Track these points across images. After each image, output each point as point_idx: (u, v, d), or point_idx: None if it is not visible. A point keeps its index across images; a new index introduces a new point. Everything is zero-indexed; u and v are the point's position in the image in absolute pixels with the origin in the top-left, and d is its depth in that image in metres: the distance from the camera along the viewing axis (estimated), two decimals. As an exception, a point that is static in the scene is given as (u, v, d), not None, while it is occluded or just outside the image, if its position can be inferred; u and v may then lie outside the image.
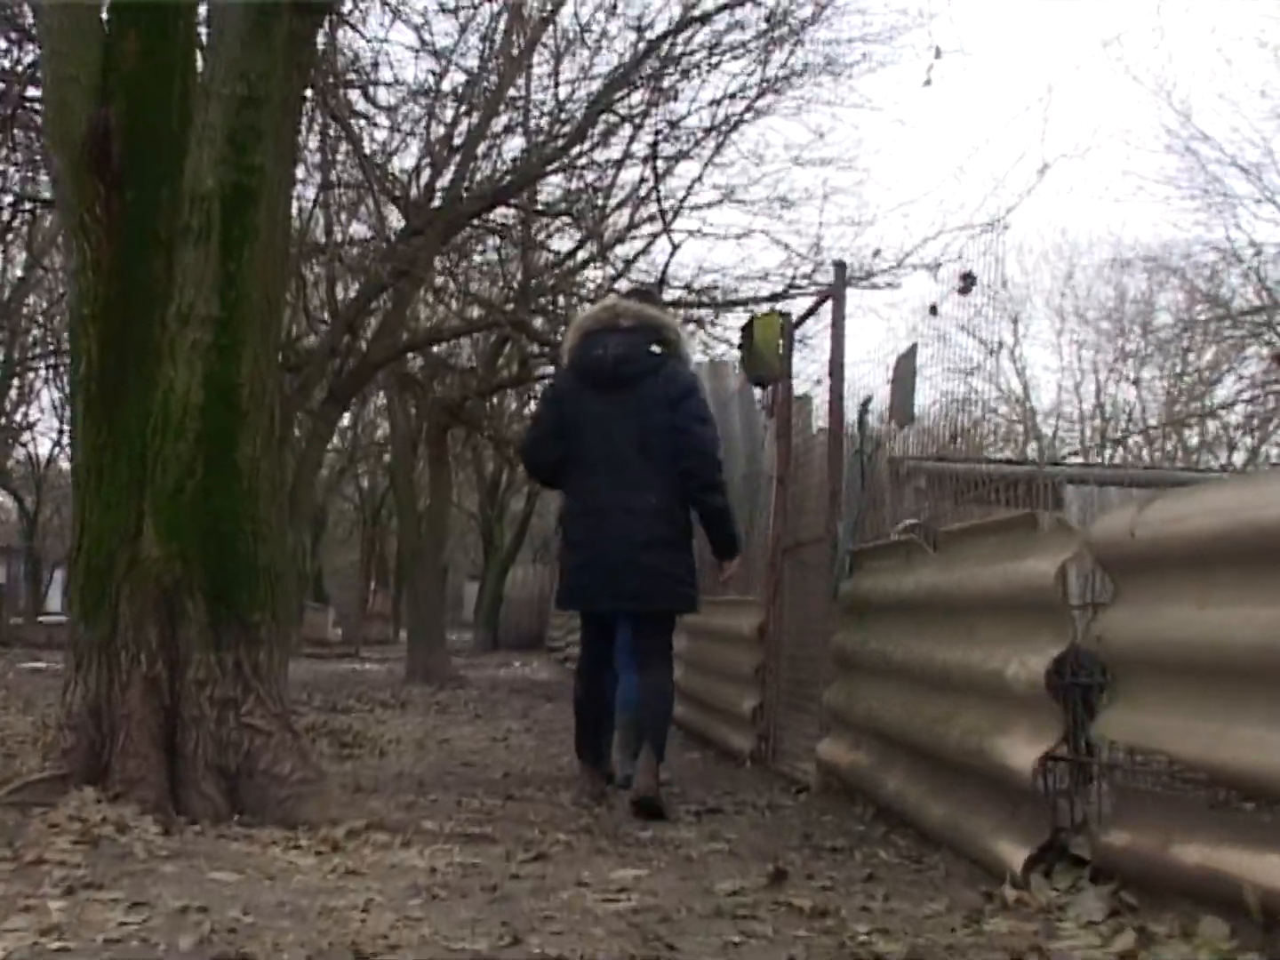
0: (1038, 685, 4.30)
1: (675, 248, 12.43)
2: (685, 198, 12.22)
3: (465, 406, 16.82)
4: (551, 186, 13.17)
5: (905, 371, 6.72)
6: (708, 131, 13.47)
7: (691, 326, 16.25)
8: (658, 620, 7.32)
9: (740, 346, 9.52)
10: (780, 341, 9.02)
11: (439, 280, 15.08)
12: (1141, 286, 26.19)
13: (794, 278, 14.93)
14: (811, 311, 8.57)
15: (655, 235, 13.44)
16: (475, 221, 13.20)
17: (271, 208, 5.82)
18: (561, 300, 16.32)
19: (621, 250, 14.96)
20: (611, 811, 6.70)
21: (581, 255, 15.34)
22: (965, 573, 5.21)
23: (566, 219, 13.19)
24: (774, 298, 13.35)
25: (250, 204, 5.73)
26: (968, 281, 5.79)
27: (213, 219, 5.69)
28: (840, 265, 7.95)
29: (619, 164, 12.90)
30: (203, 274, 5.68)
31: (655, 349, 7.06)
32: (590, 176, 12.56)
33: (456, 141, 11.75)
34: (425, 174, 11.47)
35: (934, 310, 6.46)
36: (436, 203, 11.57)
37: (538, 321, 14.50)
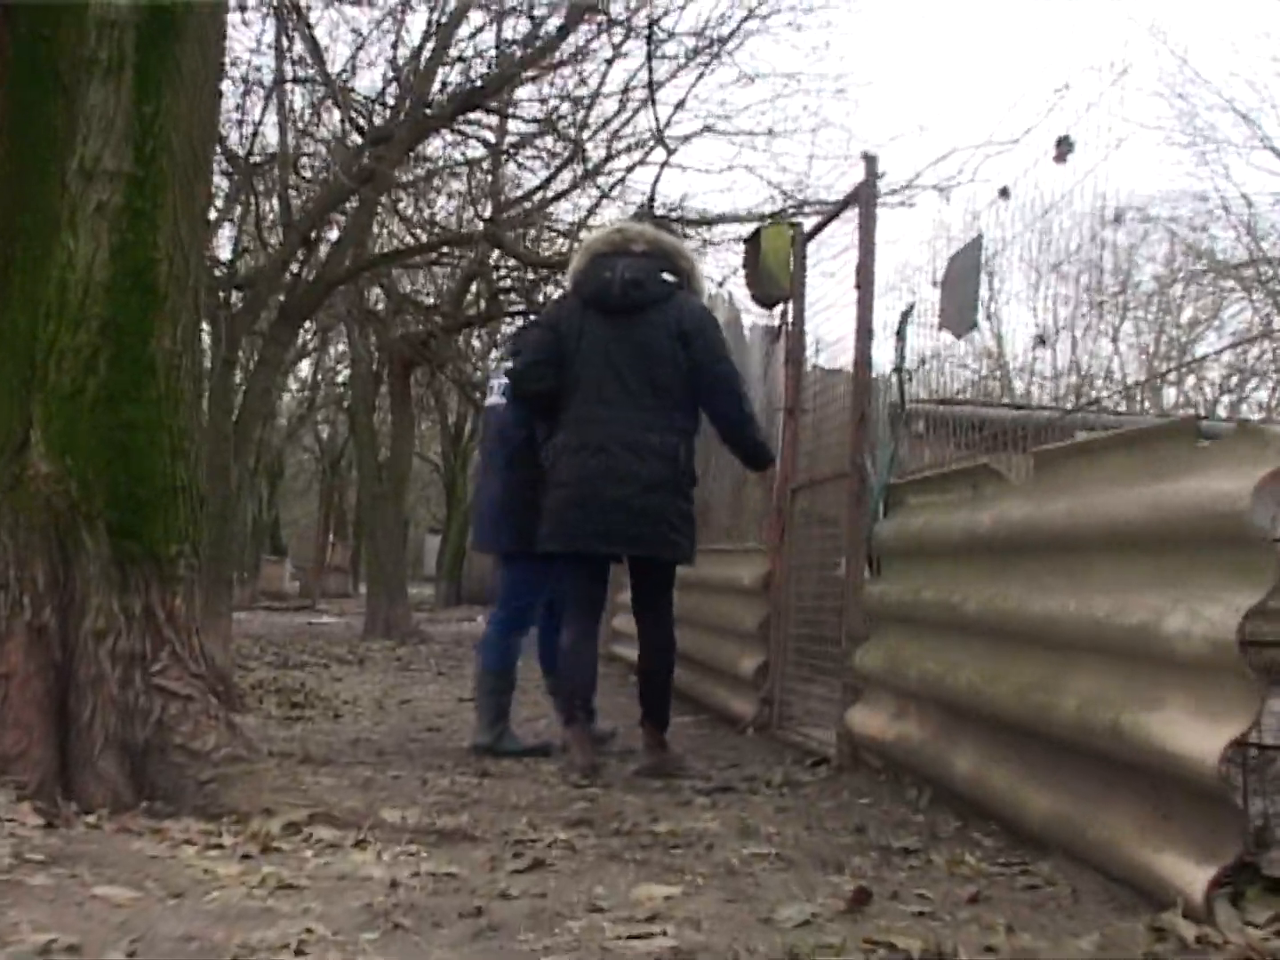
0: (1223, 645, 3.09)
1: (670, 153, 11.13)
2: (667, 124, 11.02)
3: (430, 344, 15.56)
4: (529, 101, 11.88)
5: (965, 269, 5.53)
6: (697, 48, 12.17)
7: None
8: (659, 571, 6.39)
9: (744, 262, 8.33)
10: (791, 255, 7.85)
11: (404, 207, 13.81)
12: (1123, 239, 24.99)
13: (779, 212, 13.73)
14: (835, 215, 7.34)
15: (648, 148, 12.10)
16: (446, 133, 11.97)
17: (200, 37, 4.58)
18: (533, 234, 15.08)
19: (603, 183, 13.63)
20: (609, 791, 5.51)
21: (559, 184, 14.03)
22: (1078, 501, 4.01)
23: (546, 134, 11.87)
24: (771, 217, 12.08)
25: (172, 31, 4.49)
26: (1064, 148, 4.59)
27: (125, 50, 4.45)
28: (870, 158, 6.72)
29: (608, 63, 11.62)
30: (112, 119, 4.43)
31: (668, 277, 6.33)
32: (571, 84, 11.27)
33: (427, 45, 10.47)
34: (392, 74, 10.22)
35: (1005, 193, 5.28)
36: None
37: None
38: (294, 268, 9.68)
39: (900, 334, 6.17)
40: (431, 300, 17.21)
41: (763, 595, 8.00)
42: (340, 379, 29.39)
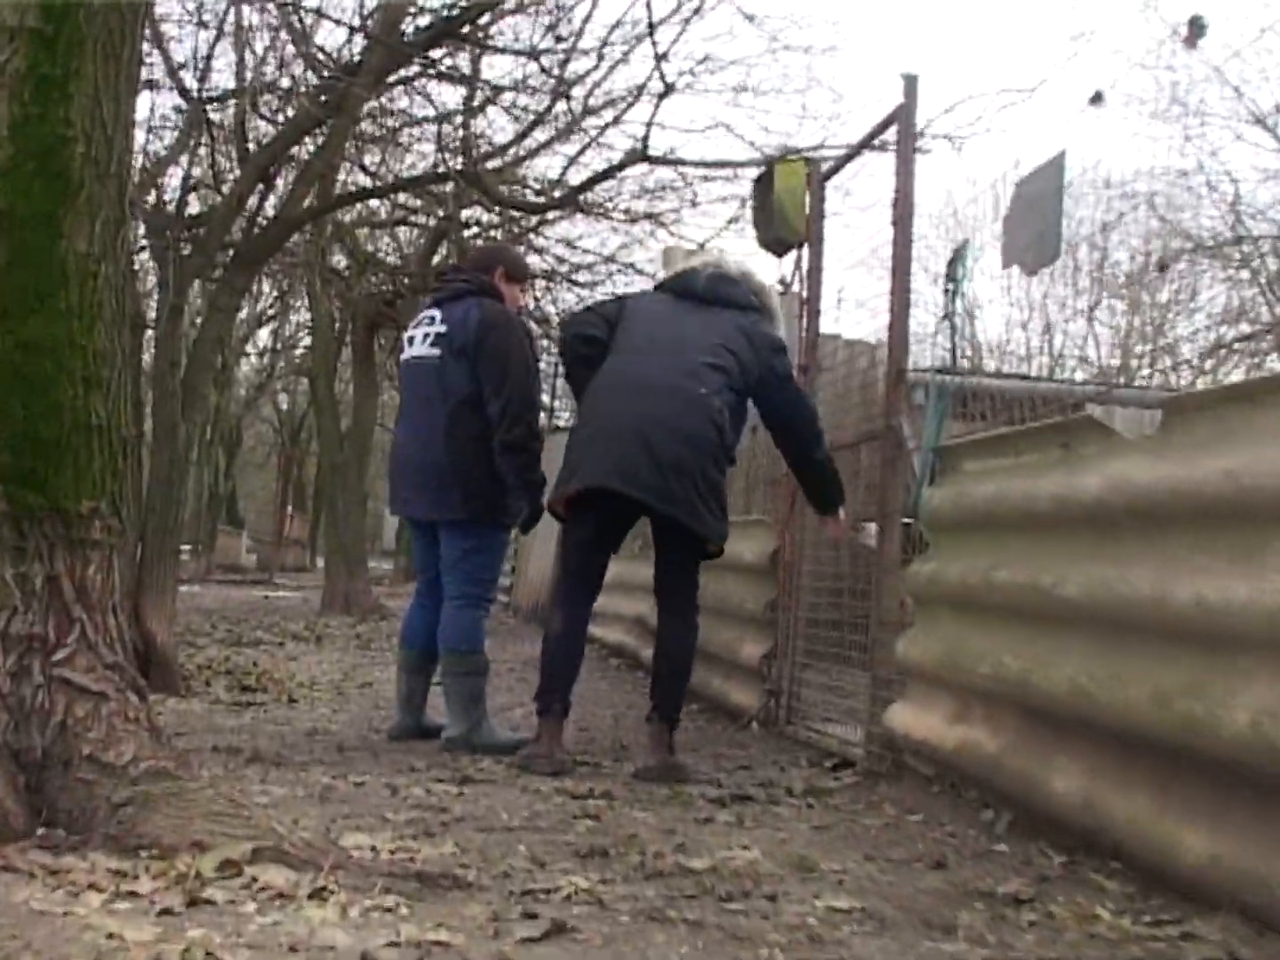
0: None
1: (668, 89, 10.10)
2: (663, 57, 10.02)
3: (396, 305, 14.55)
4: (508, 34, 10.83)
5: (1043, 192, 4.59)
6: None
7: (648, 225, 14.08)
8: (682, 546, 5.56)
9: (754, 204, 7.38)
10: (806, 195, 6.91)
11: (371, 162, 12.78)
12: (1100, 216, 24.10)
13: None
14: (864, 145, 6.38)
15: (641, 84, 11.07)
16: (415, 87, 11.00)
17: None
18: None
19: (589, 127, 12.56)
20: (613, 805, 4.58)
21: (535, 141, 13.01)
22: (1242, 459, 3.08)
23: (523, 87, 10.86)
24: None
25: None
26: (1195, 29, 3.68)
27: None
28: (910, 78, 5.77)
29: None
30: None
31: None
32: (554, 18, 10.23)
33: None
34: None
35: (1098, 98, 4.37)
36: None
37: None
38: (251, 206, 8.66)
39: (952, 275, 5.23)
40: (398, 262, 16.16)
41: (769, 574, 7.07)
42: (300, 348, 28.34)
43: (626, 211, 13.96)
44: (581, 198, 12.92)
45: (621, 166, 11.07)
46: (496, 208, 13.46)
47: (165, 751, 3.28)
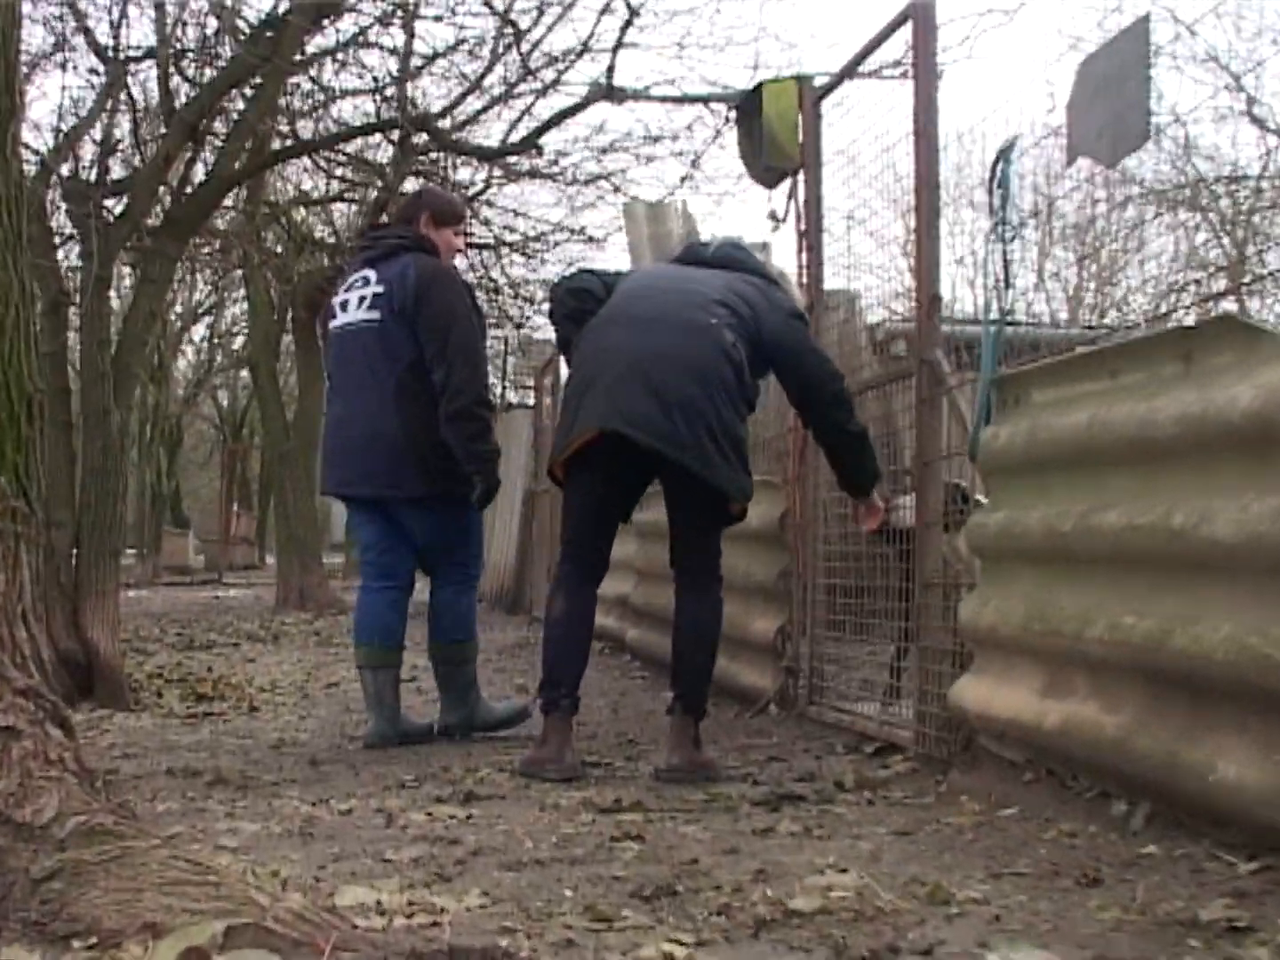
0: None
1: (633, 14, 9.26)
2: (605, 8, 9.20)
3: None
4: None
5: (1125, 63, 3.82)
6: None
7: (600, 187, 13.27)
8: (699, 506, 4.78)
9: (740, 133, 6.59)
10: (800, 116, 6.14)
11: (303, 128, 11.89)
12: (1042, 165, 23.46)
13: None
14: (871, 50, 5.57)
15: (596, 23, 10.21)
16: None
17: None
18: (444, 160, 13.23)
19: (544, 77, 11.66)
20: (649, 817, 3.81)
21: (487, 92, 12.14)
22: None
23: (461, 44, 10.00)
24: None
25: None
26: None
27: None
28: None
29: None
30: None
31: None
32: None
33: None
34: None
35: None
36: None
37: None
38: (180, 168, 7.79)
39: (1001, 181, 4.46)
40: (335, 241, 15.24)
41: (778, 540, 6.28)
42: (240, 337, 27.31)
43: (577, 174, 13.15)
44: (531, 163, 12.13)
45: (584, 105, 10.23)
46: (440, 175, 12.63)
47: (101, 802, 2.44)
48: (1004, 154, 4.44)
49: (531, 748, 4.79)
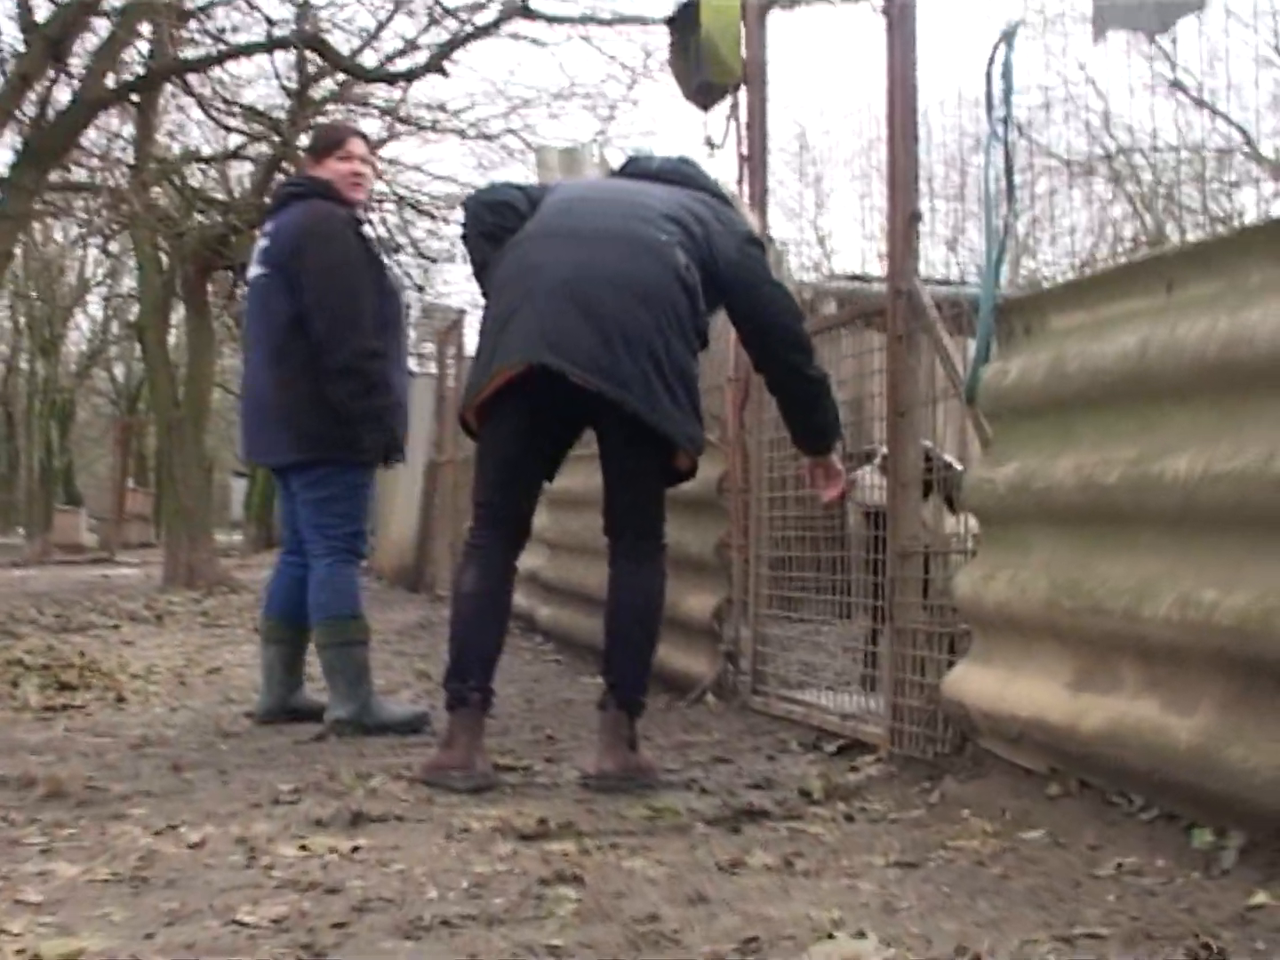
0: None
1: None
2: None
3: (230, 242, 12.61)
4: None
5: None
6: None
7: (512, 139, 12.36)
8: (646, 454, 3.91)
9: (673, 46, 5.72)
10: (742, 27, 5.32)
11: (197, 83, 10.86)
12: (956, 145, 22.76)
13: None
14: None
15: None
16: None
17: None
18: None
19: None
20: (582, 845, 2.94)
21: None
22: None
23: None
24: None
25: None
26: None
27: None
28: None
29: None
30: None
31: None
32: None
33: None
34: None
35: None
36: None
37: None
38: (41, 90, 6.78)
39: (1003, 70, 3.64)
40: (229, 199, 14.17)
41: (715, 506, 5.44)
42: (134, 313, 26.04)
43: (485, 129, 12.23)
44: (435, 116, 11.22)
45: (498, 23, 9.29)
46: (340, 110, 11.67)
47: None
48: (1007, 38, 3.62)
49: (435, 750, 3.92)
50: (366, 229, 5.14)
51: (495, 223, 4.01)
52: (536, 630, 8.08)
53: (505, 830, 3.08)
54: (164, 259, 14.04)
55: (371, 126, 12.45)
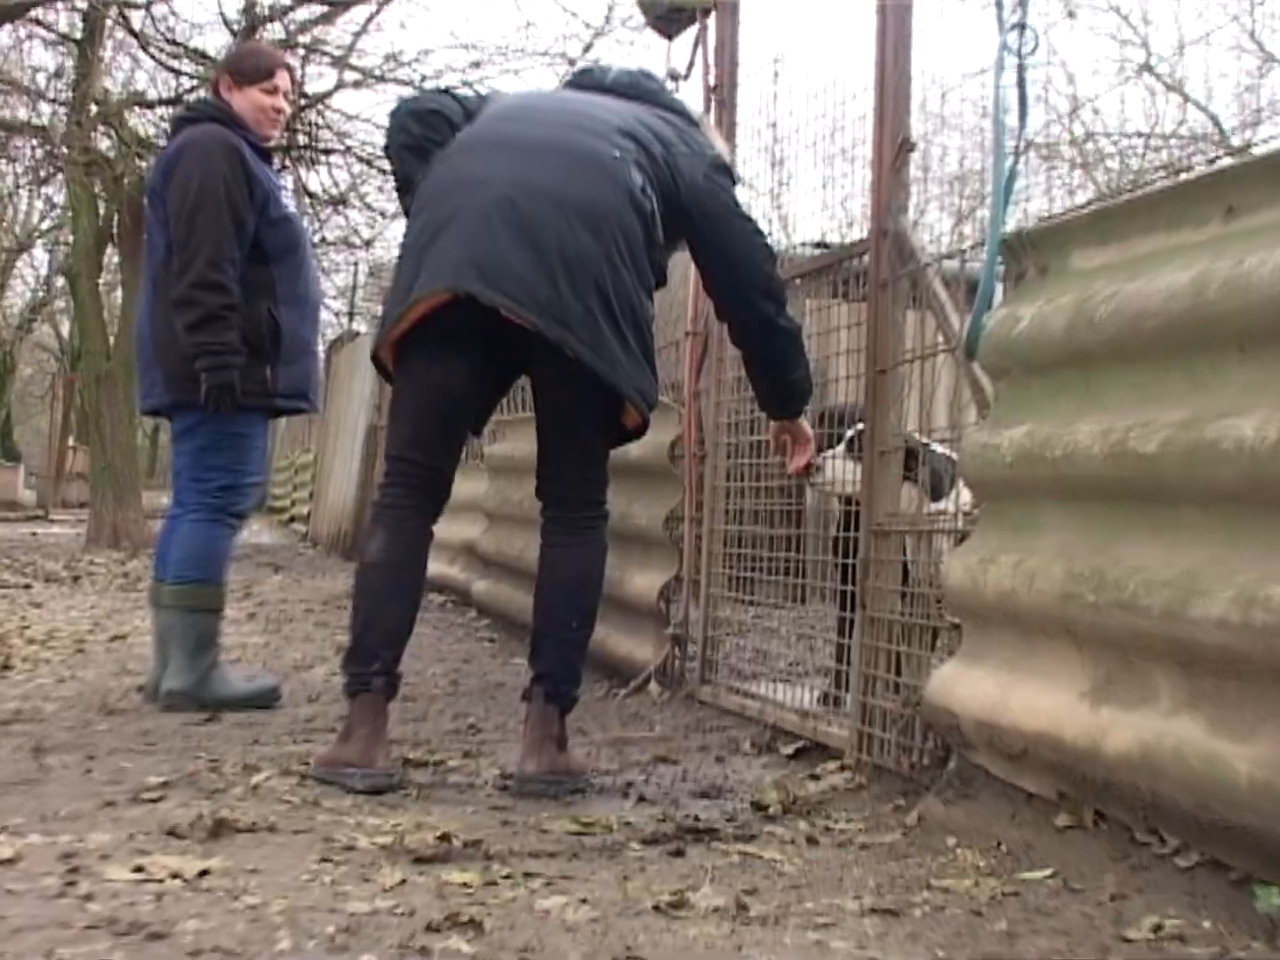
0: None
1: None
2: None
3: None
4: None
5: None
6: None
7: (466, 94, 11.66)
8: (589, 407, 3.33)
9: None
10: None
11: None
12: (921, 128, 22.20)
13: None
14: None
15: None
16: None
17: None
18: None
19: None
20: (495, 879, 2.35)
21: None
22: None
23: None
24: None
25: None
26: None
27: None
28: None
29: None
30: None
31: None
32: None
33: None
34: None
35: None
36: None
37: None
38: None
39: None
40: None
41: (667, 474, 4.87)
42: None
43: (434, 81, 11.57)
44: (383, 67, 10.58)
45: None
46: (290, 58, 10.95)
47: None
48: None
49: (333, 741, 3.33)
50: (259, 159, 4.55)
51: (423, 134, 3.42)
52: (471, 605, 7.48)
53: (397, 851, 2.50)
54: (101, 205, 13.31)
55: (319, 80, 11.82)
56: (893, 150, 3.51)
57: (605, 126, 3.29)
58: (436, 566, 8.41)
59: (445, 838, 2.59)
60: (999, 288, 3.05)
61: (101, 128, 12.61)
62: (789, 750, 3.80)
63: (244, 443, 4.46)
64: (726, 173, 3.49)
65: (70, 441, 28.31)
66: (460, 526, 7.75)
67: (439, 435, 3.31)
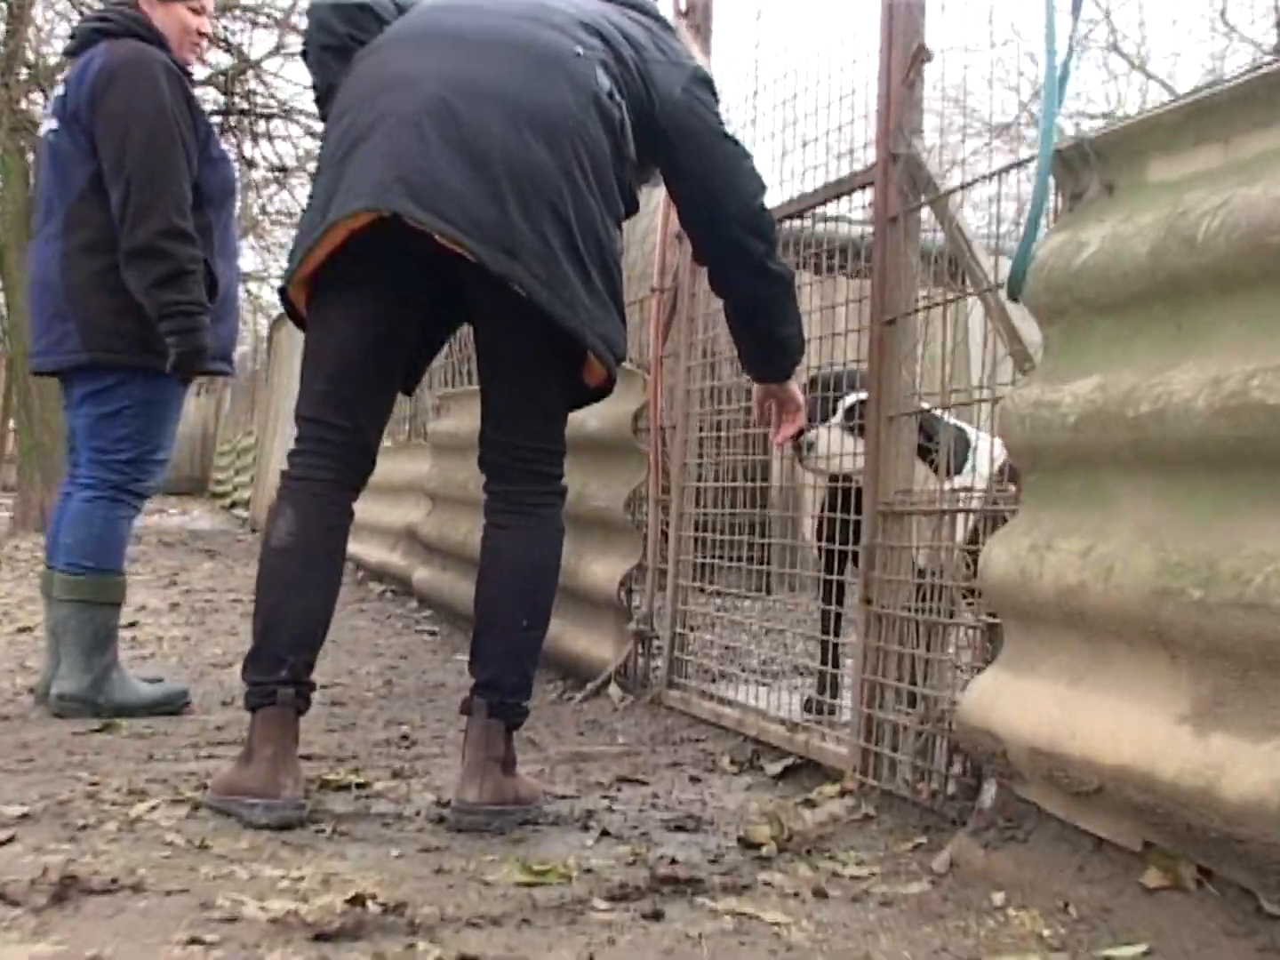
0: None
1: None
2: None
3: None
4: None
5: None
6: None
7: None
8: (543, 358, 2.73)
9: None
10: None
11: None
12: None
13: None
14: None
15: None
16: None
17: None
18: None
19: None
20: (410, 951, 1.75)
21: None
22: None
23: None
24: None
25: None
26: None
27: None
28: None
29: None
30: None
31: None
32: None
33: None
34: None
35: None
36: None
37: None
38: None
39: None
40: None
41: (629, 450, 4.27)
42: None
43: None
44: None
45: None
46: (224, 40, 10.31)
47: None
48: None
49: (235, 768, 2.70)
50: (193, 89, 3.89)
51: (349, 34, 2.79)
52: (412, 595, 6.86)
53: (292, 924, 1.88)
54: (30, 171, 12.57)
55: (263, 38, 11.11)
56: (906, 62, 2.91)
57: (565, 19, 2.68)
58: (376, 552, 7.78)
59: (358, 900, 1.99)
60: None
61: (33, 94, 11.93)
62: (775, 768, 3.22)
63: (160, 411, 3.85)
64: (709, 87, 2.88)
65: (11, 424, 27.41)
66: (402, 509, 7.13)
67: (361, 392, 2.68)
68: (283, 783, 2.56)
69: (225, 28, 10.94)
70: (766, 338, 3.00)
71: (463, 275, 2.56)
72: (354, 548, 8.42)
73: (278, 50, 11.56)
